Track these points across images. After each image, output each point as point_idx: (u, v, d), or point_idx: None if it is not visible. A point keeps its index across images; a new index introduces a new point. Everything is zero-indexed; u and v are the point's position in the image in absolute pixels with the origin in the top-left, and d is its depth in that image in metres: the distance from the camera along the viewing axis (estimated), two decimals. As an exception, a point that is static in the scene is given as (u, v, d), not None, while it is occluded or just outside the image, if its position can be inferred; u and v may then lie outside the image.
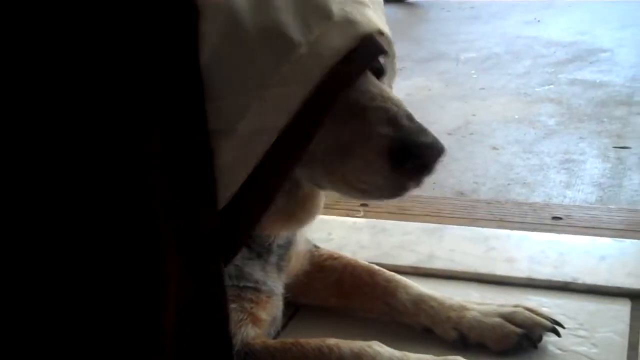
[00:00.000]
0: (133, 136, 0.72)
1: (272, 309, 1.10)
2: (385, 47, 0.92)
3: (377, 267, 1.23)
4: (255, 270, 1.06)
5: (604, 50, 4.34)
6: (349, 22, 0.84)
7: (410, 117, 0.87)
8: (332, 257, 1.25)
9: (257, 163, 0.81)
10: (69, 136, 0.70)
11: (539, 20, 5.43)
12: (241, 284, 1.03)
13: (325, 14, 0.83)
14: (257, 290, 1.06)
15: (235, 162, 0.81)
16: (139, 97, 0.72)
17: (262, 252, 1.06)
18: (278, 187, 0.84)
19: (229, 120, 0.79)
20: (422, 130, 0.86)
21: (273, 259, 1.10)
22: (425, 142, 0.85)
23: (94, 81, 0.70)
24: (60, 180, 0.70)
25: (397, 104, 0.88)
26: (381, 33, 0.89)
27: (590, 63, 4.11)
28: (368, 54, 0.87)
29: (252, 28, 0.79)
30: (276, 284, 1.11)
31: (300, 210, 1.00)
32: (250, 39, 0.79)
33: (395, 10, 6.17)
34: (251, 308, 1.05)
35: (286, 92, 0.80)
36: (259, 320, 1.06)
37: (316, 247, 1.26)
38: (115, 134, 0.71)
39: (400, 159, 0.85)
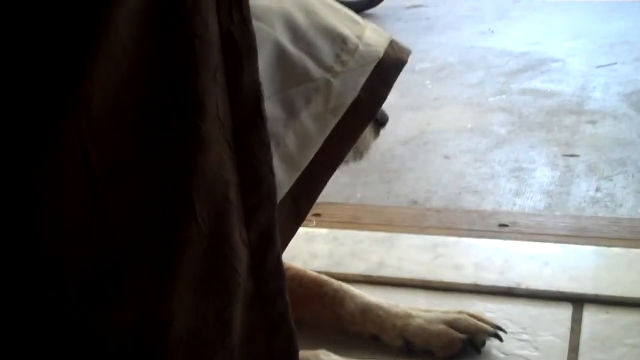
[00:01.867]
0: (192, 116, 0.70)
1: None
2: None
3: (325, 277, 1.25)
4: None
5: (555, 60, 4.44)
6: (374, 28, 0.99)
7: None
8: (281, 268, 1.26)
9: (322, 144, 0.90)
10: None
11: (492, 31, 5.51)
12: None
13: (356, 20, 0.97)
14: None
15: (298, 149, 0.88)
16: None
17: None
18: (337, 164, 0.96)
19: (294, 109, 0.87)
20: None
21: None
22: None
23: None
24: None
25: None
26: None
27: (542, 72, 4.19)
28: (402, 47, 1.00)
29: (308, 27, 0.89)
30: None
31: None
32: (308, 36, 0.89)
33: (352, 21, 6.21)
34: None
35: (350, 76, 0.91)
36: None
37: (265, 257, 1.28)
38: (174, 112, 0.70)
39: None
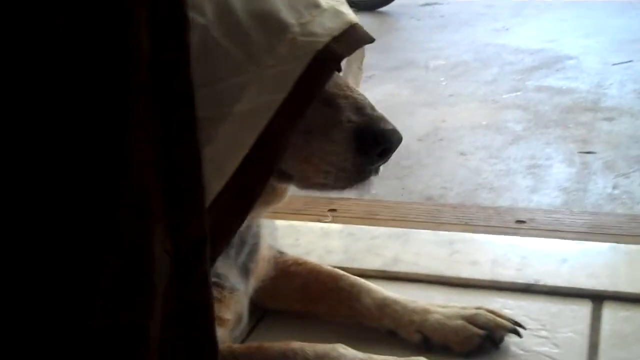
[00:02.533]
0: (114, 129, 0.70)
1: (236, 306, 1.10)
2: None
3: (341, 271, 1.24)
4: (219, 262, 1.06)
5: (570, 58, 4.41)
6: (336, 11, 0.89)
7: (373, 107, 0.95)
8: (297, 263, 1.25)
9: (252, 144, 0.82)
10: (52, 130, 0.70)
11: (507, 29, 5.49)
12: None
13: (314, 3, 0.88)
14: (219, 285, 1.06)
15: (230, 146, 0.81)
16: (121, 90, 0.71)
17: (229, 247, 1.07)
18: (273, 166, 0.86)
19: (224, 103, 0.81)
20: (383, 118, 0.95)
21: (240, 258, 1.10)
22: (387, 128, 0.93)
23: (73, 67, 0.69)
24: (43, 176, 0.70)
25: (363, 96, 0.96)
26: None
27: (557, 70, 4.16)
28: (358, 37, 0.92)
29: (244, 13, 0.83)
30: (238, 281, 1.11)
31: (270, 194, 1.02)
32: (243, 24, 0.82)
33: (365, 19, 6.19)
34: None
35: (283, 69, 0.83)
36: (223, 320, 1.06)
37: (280, 252, 1.27)
38: (95, 127, 0.70)
39: (365, 143, 0.92)
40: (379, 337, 1.19)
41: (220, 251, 0.85)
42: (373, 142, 0.93)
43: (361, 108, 0.94)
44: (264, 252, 1.20)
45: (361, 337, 1.17)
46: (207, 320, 0.81)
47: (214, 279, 1.04)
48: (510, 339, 1.17)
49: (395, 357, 1.04)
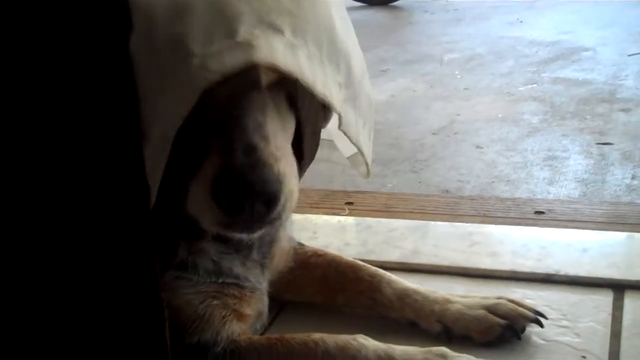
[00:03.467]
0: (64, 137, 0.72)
1: (257, 304, 1.10)
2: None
3: (361, 262, 1.24)
4: (235, 265, 1.06)
5: (586, 49, 4.38)
6: (248, 46, 0.80)
7: (248, 150, 0.82)
8: (317, 254, 1.25)
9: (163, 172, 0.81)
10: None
11: (521, 21, 5.46)
12: (220, 280, 1.04)
13: (230, 32, 0.80)
14: (239, 285, 1.06)
15: (152, 168, 0.80)
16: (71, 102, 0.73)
17: (240, 247, 1.06)
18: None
19: (146, 125, 0.79)
20: (253, 167, 0.81)
21: (255, 255, 1.10)
22: (246, 179, 0.81)
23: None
24: None
25: (246, 133, 0.83)
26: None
27: (573, 62, 4.14)
28: (248, 84, 0.84)
29: (164, 37, 0.81)
30: (259, 280, 1.11)
31: None
32: (160, 48, 0.81)
33: (378, 13, 6.20)
34: (234, 304, 1.05)
35: (176, 99, 0.80)
36: (244, 315, 1.06)
37: (300, 244, 1.27)
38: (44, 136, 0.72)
39: (219, 192, 0.82)
40: (399, 328, 1.18)
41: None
42: (226, 193, 0.81)
43: (229, 150, 0.82)
44: (283, 244, 1.19)
45: (381, 328, 1.16)
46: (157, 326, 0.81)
47: (232, 280, 1.04)
48: (532, 329, 1.16)
49: (416, 348, 1.04)
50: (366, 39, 1.04)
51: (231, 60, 0.79)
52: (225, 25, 0.81)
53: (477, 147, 2.89)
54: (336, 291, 1.22)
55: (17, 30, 0.71)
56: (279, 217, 0.85)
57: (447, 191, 2.44)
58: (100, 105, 0.73)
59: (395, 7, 6.53)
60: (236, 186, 0.80)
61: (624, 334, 1.15)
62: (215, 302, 1.02)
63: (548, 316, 1.17)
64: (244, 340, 1.02)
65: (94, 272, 0.78)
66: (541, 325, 1.15)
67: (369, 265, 1.23)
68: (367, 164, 1.05)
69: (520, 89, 3.67)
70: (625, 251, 1.41)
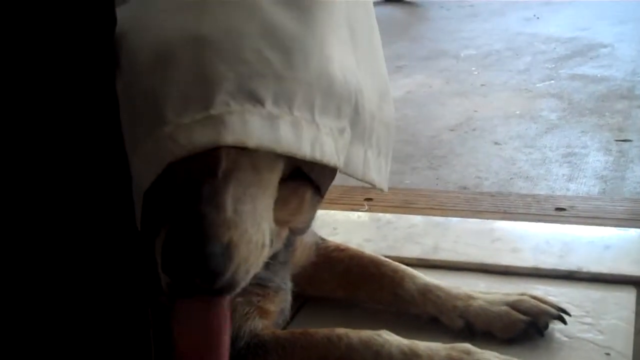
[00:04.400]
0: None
1: (280, 302, 1.10)
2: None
3: (383, 257, 1.24)
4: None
5: (604, 45, 4.35)
6: (219, 122, 0.76)
7: (195, 219, 0.78)
8: (339, 249, 1.25)
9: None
10: None
11: (538, 17, 5.43)
12: None
13: (207, 102, 0.77)
14: (262, 285, 1.06)
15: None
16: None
17: None
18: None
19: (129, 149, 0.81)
20: (193, 240, 0.77)
21: (281, 257, 1.10)
22: (179, 255, 0.77)
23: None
24: None
25: (211, 200, 0.80)
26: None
27: (591, 58, 4.12)
28: (206, 167, 0.81)
29: (142, 89, 0.79)
30: (284, 281, 1.11)
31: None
32: (138, 100, 0.79)
33: (395, 9, 6.18)
34: (258, 301, 1.05)
35: (143, 168, 0.79)
36: (267, 312, 1.06)
37: (322, 239, 1.27)
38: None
39: (163, 264, 0.79)
40: (421, 324, 1.18)
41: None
42: (163, 267, 0.78)
43: (180, 216, 0.79)
44: (306, 238, 1.19)
45: (403, 324, 1.16)
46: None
47: (255, 281, 1.04)
48: (554, 326, 1.15)
49: (439, 344, 1.03)
50: (382, 35, 1.03)
51: (200, 137, 0.76)
52: (203, 91, 0.77)
53: (495, 143, 2.88)
54: (358, 286, 1.22)
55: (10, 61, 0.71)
56: (232, 285, 0.81)
57: (465, 188, 2.43)
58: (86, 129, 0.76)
59: (411, 3, 6.52)
60: (176, 259, 0.77)
61: (648, 331, 1.15)
62: (238, 299, 1.02)
63: (571, 313, 1.17)
64: (267, 335, 1.03)
65: (81, 277, 0.80)
66: (564, 322, 1.14)
67: (390, 261, 1.23)
68: (383, 188, 1.02)
69: (538, 85, 3.65)
70: (647, 248, 1.40)
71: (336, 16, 0.89)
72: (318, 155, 0.83)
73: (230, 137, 0.76)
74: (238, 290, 0.83)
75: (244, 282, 0.83)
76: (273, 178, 0.88)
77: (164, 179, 0.78)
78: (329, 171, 0.93)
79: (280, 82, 0.80)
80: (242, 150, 0.79)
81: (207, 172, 0.80)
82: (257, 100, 0.78)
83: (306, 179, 0.92)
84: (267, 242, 0.87)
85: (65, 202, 0.78)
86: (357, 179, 0.94)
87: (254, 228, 0.83)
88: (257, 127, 0.78)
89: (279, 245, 0.99)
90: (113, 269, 0.82)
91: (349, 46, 0.91)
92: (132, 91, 0.79)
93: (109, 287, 0.82)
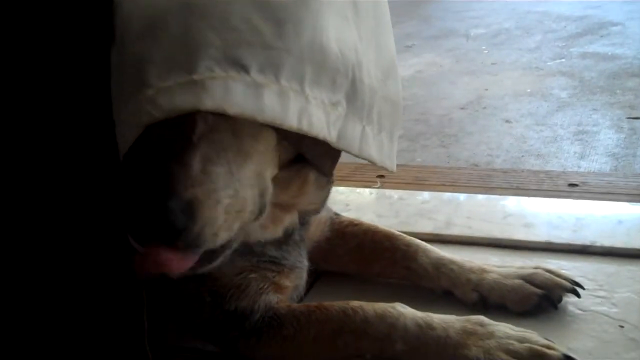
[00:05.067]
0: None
1: (295, 278, 1.11)
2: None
3: (397, 232, 1.24)
4: (269, 249, 1.06)
5: (615, 24, 4.32)
6: (201, 87, 0.77)
7: (157, 174, 0.79)
8: (353, 224, 1.25)
9: None
10: None
11: (548, -5, 5.40)
12: (255, 259, 1.04)
13: (190, 67, 0.77)
14: (277, 263, 1.07)
15: None
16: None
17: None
18: None
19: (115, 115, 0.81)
20: (152, 194, 0.78)
21: (297, 236, 1.11)
22: (139, 209, 0.78)
23: None
24: None
25: (162, 158, 0.81)
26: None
27: (601, 36, 4.09)
28: (182, 132, 0.81)
29: (130, 55, 0.79)
30: (299, 259, 1.12)
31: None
32: (126, 65, 0.79)
33: (403, -12, 6.14)
34: (273, 277, 1.06)
35: (124, 130, 0.79)
36: (282, 287, 1.07)
37: (337, 214, 1.27)
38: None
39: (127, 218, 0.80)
40: (435, 297, 1.18)
41: None
42: (130, 224, 0.79)
43: (139, 179, 0.80)
44: (322, 213, 1.20)
45: (417, 297, 1.16)
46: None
47: (268, 259, 1.05)
48: (568, 299, 1.15)
49: (454, 316, 1.03)
50: (391, 14, 1.03)
51: (180, 101, 0.76)
52: (187, 56, 0.77)
53: (506, 121, 2.87)
54: (372, 260, 1.22)
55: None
56: (195, 244, 0.80)
57: (476, 165, 2.43)
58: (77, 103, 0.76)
59: (419, -17, 6.48)
60: (136, 213, 0.78)
61: (661, 304, 1.15)
62: (252, 275, 1.03)
63: (585, 287, 1.17)
64: (282, 308, 1.03)
65: (75, 263, 0.81)
66: (578, 296, 1.14)
67: (404, 235, 1.23)
68: (385, 167, 1.01)
69: (548, 63, 3.64)
70: (660, 223, 1.40)
71: None
72: (305, 127, 0.82)
73: (210, 103, 0.76)
74: (204, 249, 0.81)
75: (211, 243, 0.82)
76: (259, 146, 0.87)
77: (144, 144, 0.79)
78: (329, 150, 0.92)
79: (269, 51, 0.80)
80: (221, 116, 0.79)
81: (182, 134, 0.80)
82: (242, 68, 0.78)
83: (309, 164, 0.93)
84: (249, 209, 0.87)
85: (60, 183, 0.78)
86: (353, 154, 0.93)
87: (226, 191, 0.82)
88: (239, 95, 0.77)
89: (281, 228, 1.03)
90: (107, 246, 0.82)
91: (351, 21, 0.90)
92: (121, 58, 0.80)
93: (103, 267, 0.82)
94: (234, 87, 0.77)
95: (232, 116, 0.78)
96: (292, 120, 0.81)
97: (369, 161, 0.96)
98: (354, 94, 0.89)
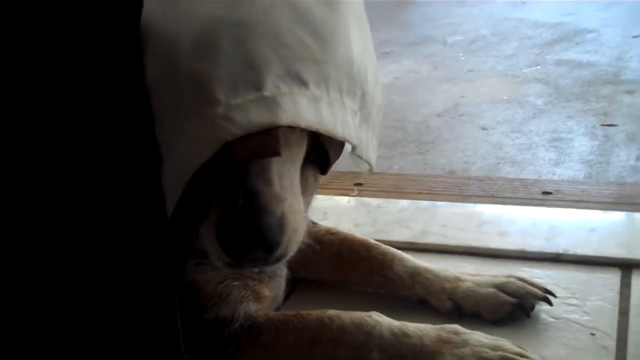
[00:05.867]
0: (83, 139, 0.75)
1: (274, 288, 1.12)
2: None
3: (373, 241, 1.26)
4: None
5: (590, 31, 4.37)
6: (274, 103, 0.80)
7: (250, 196, 0.82)
8: (330, 232, 1.27)
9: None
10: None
11: (524, 2, 5.44)
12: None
13: (257, 85, 0.80)
14: (258, 271, 1.08)
15: (174, 177, 0.82)
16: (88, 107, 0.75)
17: None
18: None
19: (164, 147, 0.82)
20: (253, 215, 0.82)
21: None
22: (245, 230, 0.81)
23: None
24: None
25: (251, 179, 0.83)
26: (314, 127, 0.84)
27: (577, 43, 4.14)
28: (266, 146, 0.83)
29: (187, 72, 0.80)
30: (280, 266, 1.13)
31: None
32: (182, 82, 0.80)
33: (382, -6, 6.17)
34: (254, 285, 1.07)
35: (195, 147, 0.80)
36: (261, 296, 1.08)
37: (314, 223, 1.29)
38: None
39: (223, 239, 0.83)
40: (410, 306, 1.20)
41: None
42: (224, 241, 0.83)
43: (231, 194, 0.82)
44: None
45: (393, 306, 1.18)
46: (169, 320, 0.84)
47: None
48: (541, 307, 1.18)
49: (429, 325, 1.05)
50: (369, 21, 1.04)
51: (257, 117, 0.79)
52: (252, 74, 0.80)
53: (483, 128, 2.90)
54: (349, 269, 1.24)
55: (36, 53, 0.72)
56: (284, 255, 0.86)
57: (453, 172, 2.46)
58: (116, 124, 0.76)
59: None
60: (236, 235, 0.81)
61: (632, 311, 1.17)
62: (235, 282, 1.04)
63: (557, 295, 1.19)
64: (261, 317, 1.04)
65: (111, 265, 0.81)
66: (550, 304, 1.17)
67: (380, 244, 1.25)
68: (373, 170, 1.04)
69: (524, 70, 3.68)
70: (632, 231, 1.43)
71: (352, 3, 0.93)
72: (347, 135, 0.88)
73: (284, 118, 0.80)
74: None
75: (292, 252, 0.88)
76: (301, 154, 0.92)
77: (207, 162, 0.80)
78: (339, 143, 0.97)
79: (318, 65, 0.84)
80: (280, 129, 0.83)
81: (267, 151, 0.83)
82: (303, 83, 0.82)
83: (308, 163, 0.96)
84: (304, 213, 0.92)
85: (94, 192, 0.79)
86: (362, 158, 0.97)
87: (295, 200, 0.87)
88: (304, 108, 0.82)
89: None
90: (141, 252, 0.83)
91: (358, 32, 0.94)
92: (173, 75, 0.80)
93: (137, 271, 0.83)
94: (300, 102, 0.82)
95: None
96: (338, 130, 0.86)
97: (369, 165, 1.00)
98: (364, 103, 0.94)
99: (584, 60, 3.75)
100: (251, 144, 0.81)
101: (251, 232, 0.81)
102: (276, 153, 0.83)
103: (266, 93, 0.80)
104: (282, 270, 1.14)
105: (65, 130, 0.76)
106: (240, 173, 0.82)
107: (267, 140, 0.82)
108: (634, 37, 4.14)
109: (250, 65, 0.80)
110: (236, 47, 0.80)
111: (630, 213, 1.50)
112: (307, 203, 1.06)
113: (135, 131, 0.80)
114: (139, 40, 0.79)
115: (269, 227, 0.82)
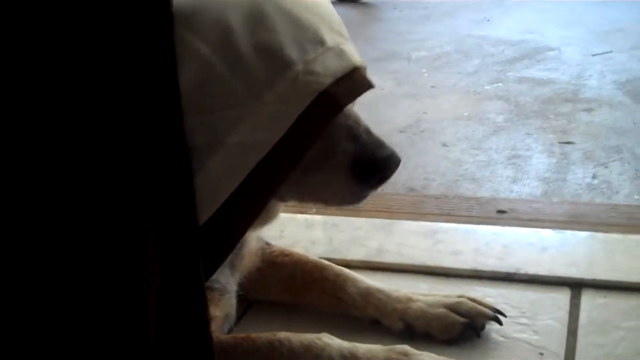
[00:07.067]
0: (107, 149, 0.74)
1: (225, 306, 1.12)
2: None
3: (326, 262, 1.26)
4: None
5: (551, 49, 4.44)
6: (341, 51, 0.90)
7: (368, 132, 0.95)
8: (284, 254, 1.27)
9: (245, 177, 0.84)
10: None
11: (488, 20, 5.52)
12: None
13: (320, 40, 0.89)
14: (208, 287, 1.07)
15: (221, 176, 0.84)
16: (111, 115, 0.73)
17: None
18: (266, 201, 0.89)
19: (218, 133, 0.83)
20: (380, 144, 0.95)
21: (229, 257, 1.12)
22: (383, 155, 0.94)
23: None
24: (50, 182, 0.73)
25: (357, 121, 0.95)
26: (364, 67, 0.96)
27: (538, 61, 4.20)
28: (360, 82, 0.93)
29: (247, 46, 0.84)
30: (229, 282, 1.13)
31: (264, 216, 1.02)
32: (244, 57, 0.83)
33: (348, 10, 6.20)
34: None
35: (281, 108, 0.84)
36: (212, 317, 1.08)
37: (268, 244, 1.29)
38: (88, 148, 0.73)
39: (361, 172, 0.93)
40: (364, 327, 1.21)
41: (213, 271, 0.90)
42: (369, 171, 0.94)
43: (356, 136, 0.93)
44: (252, 243, 1.21)
45: (346, 327, 1.19)
46: (202, 319, 0.83)
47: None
48: (491, 327, 1.19)
49: (379, 346, 1.06)
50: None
51: (336, 64, 0.89)
52: (311, 33, 0.88)
53: (443, 145, 2.93)
54: (302, 291, 1.24)
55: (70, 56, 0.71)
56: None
57: (413, 189, 2.47)
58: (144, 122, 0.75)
59: (364, 4, 6.55)
60: (380, 163, 0.94)
61: (580, 331, 1.19)
62: None
63: (507, 314, 1.21)
64: (210, 339, 1.04)
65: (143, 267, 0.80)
66: (500, 323, 1.19)
67: (334, 265, 1.26)
68: None
69: (486, 87, 3.72)
70: (583, 250, 1.45)
71: None
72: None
73: (355, 60, 0.92)
74: None
75: None
76: None
77: None
78: None
79: (340, 25, 0.96)
80: None
81: (365, 86, 0.94)
82: (343, 36, 0.94)
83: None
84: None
85: (120, 197, 0.77)
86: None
87: None
88: (355, 52, 0.94)
89: None
90: (182, 253, 0.83)
91: None
92: (232, 56, 0.84)
93: (169, 276, 0.82)
94: (351, 48, 0.94)
95: None
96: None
97: None
98: None
99: (545, 78, 3.81)
100: (347, 86, 0.89)
101: (389, 152, 0.95)
102: (372, 85, 0.95)
103: (330, 44, 0.90)
104: (231, 286, 1.14)
105: (95, 129, 0.74)
106: (350, 120, 0.94)
107: (359, 79, 0.92)
108: (593, 55, 4.22)
109: (305, 26, 0.88)
110: (282, 14, 0.87)
111: (582, 232, 1.52)
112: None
113: (165, 133, 0.79)
114: (172, 41, 0.78)
115: (394, 151, 0.96)
